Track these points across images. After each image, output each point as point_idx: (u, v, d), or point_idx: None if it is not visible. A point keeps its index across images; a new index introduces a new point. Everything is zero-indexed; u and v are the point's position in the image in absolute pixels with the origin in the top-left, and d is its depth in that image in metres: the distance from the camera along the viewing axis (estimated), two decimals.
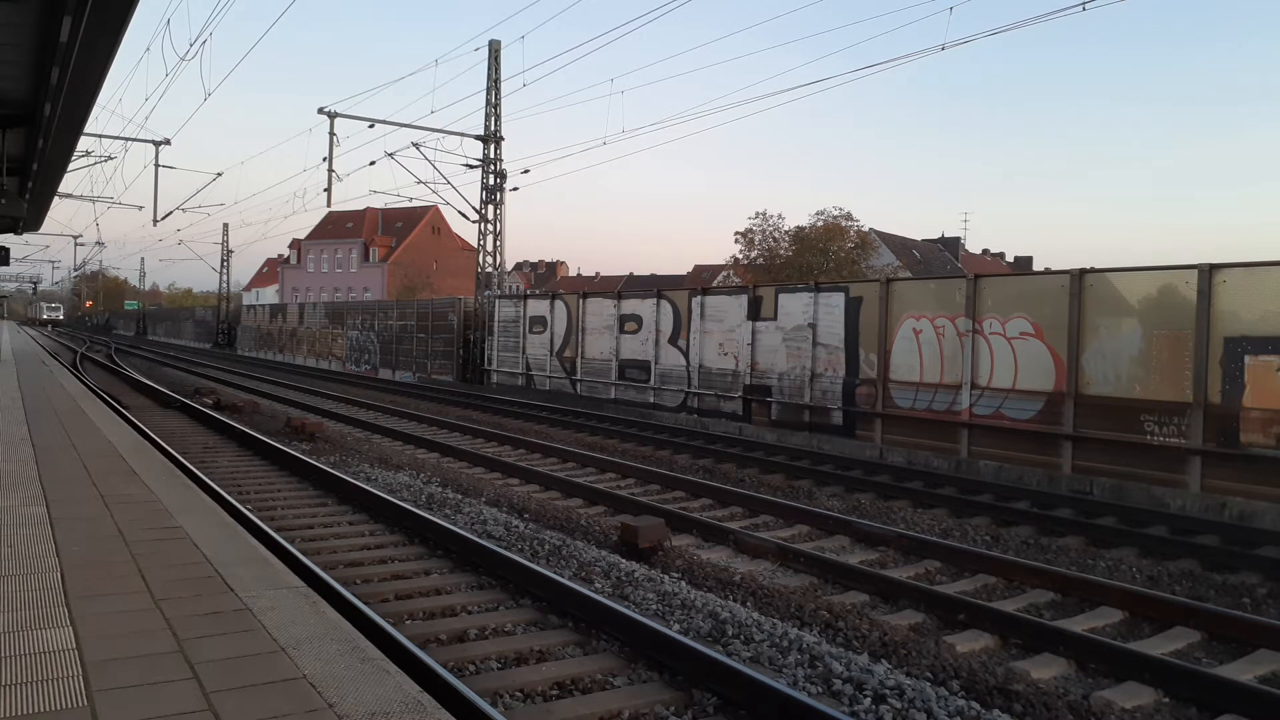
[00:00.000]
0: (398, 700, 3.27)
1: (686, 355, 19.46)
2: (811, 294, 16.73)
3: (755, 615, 5.96)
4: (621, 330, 21.58)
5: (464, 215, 28.92)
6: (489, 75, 28.26)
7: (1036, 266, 69.07)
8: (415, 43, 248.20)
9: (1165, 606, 6.62)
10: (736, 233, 46.12)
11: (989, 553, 8.21)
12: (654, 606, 6.15)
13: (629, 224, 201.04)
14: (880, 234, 52.67)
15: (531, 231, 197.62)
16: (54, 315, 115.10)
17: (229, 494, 8.87)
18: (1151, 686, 5.21)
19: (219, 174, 37.36)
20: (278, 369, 37.00)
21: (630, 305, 21.64)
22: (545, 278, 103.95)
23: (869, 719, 4.56)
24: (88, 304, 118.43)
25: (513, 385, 25.47)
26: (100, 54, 9.02)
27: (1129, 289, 12.13)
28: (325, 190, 25.74)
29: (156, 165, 29.34)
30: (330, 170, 25.41)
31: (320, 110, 25.17)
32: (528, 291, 44.76)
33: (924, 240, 66.53)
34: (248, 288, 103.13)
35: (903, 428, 14.72)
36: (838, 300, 16.13)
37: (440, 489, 10.45)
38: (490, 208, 28.73)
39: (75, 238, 55.78)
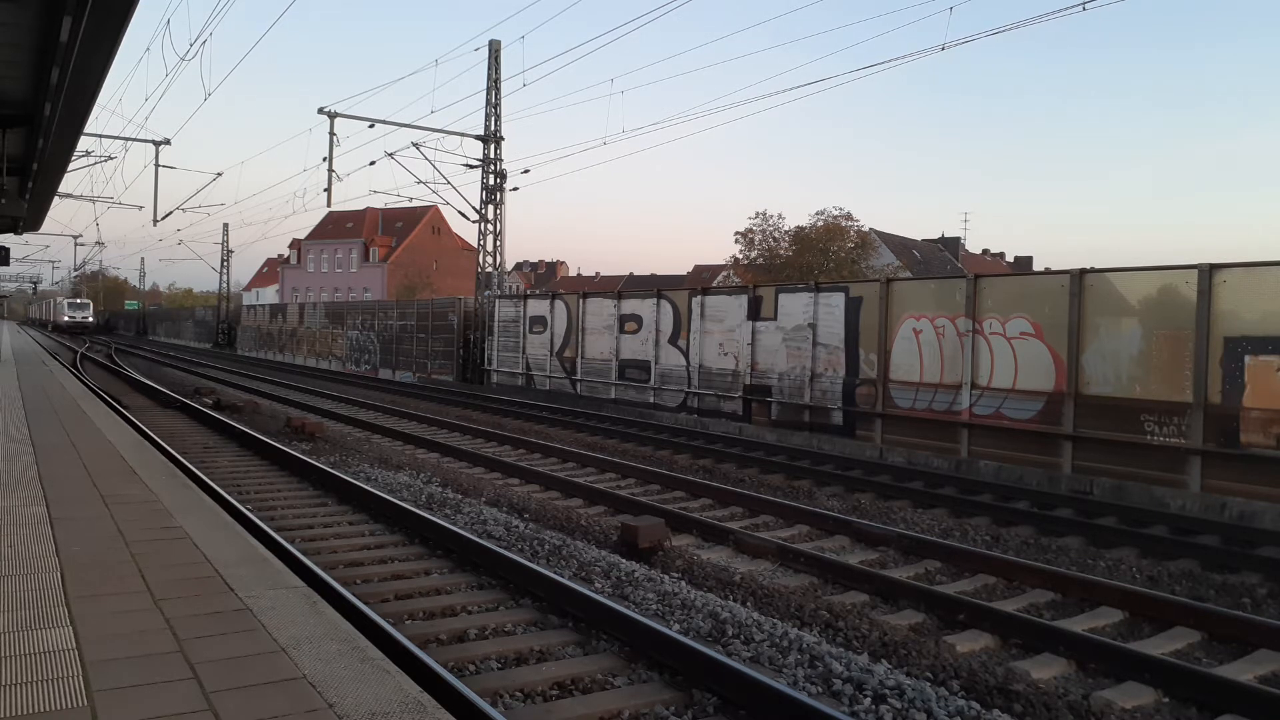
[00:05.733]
0: (398, 700, 3.27)
1: (686, 355, 19.46)
2: (811, 294, 16.73)
3: (755, 615, 5.96)
4: (621, 330, 21.58)
5: (464, 215, 28.95)
6: (489, 75, 28.27)
7: (1036, 266, 69.11)
8: (415, 43, 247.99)
9: (1165, 606, 6.62)
10: (736, 233, 46.27)
11: (989, 553, 8.21)
12: (654, 606, 6.15)
13: (629, 224, 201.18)
14: (880, 234, 52.69)
15: (531, 231, 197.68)
16: (81, 317, 74.51)
17: (229, 494, 8.86)
18: (1151, 686, 5.21)
19: (219, 174, 37.45)
20: (278, 369, 36.99)
21: (630, 305, 21.64)
22: (545, 278, 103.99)
23: (869, 719, 4.56)
24: None
25: (513, 385, 25.46)
26: (100, 54, 9.03)
27: (1129, 289, 12.13)
28: (325, 190, 25.76)
29: (156, 165, 29.34)
30: (330, 170, 25.43)
31: (320, 110, 25.21)
32: (528, 291, 44.74)
33: (924, 240, 66.56)
34: (248, 288, 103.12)
35: (903, 428, 14.72)
36: (838, 300, 16.13)
37: (440, 489, 10.45)
38: (490, 208, 28.73)
39: (75, 238, 55.86)
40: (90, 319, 75.83)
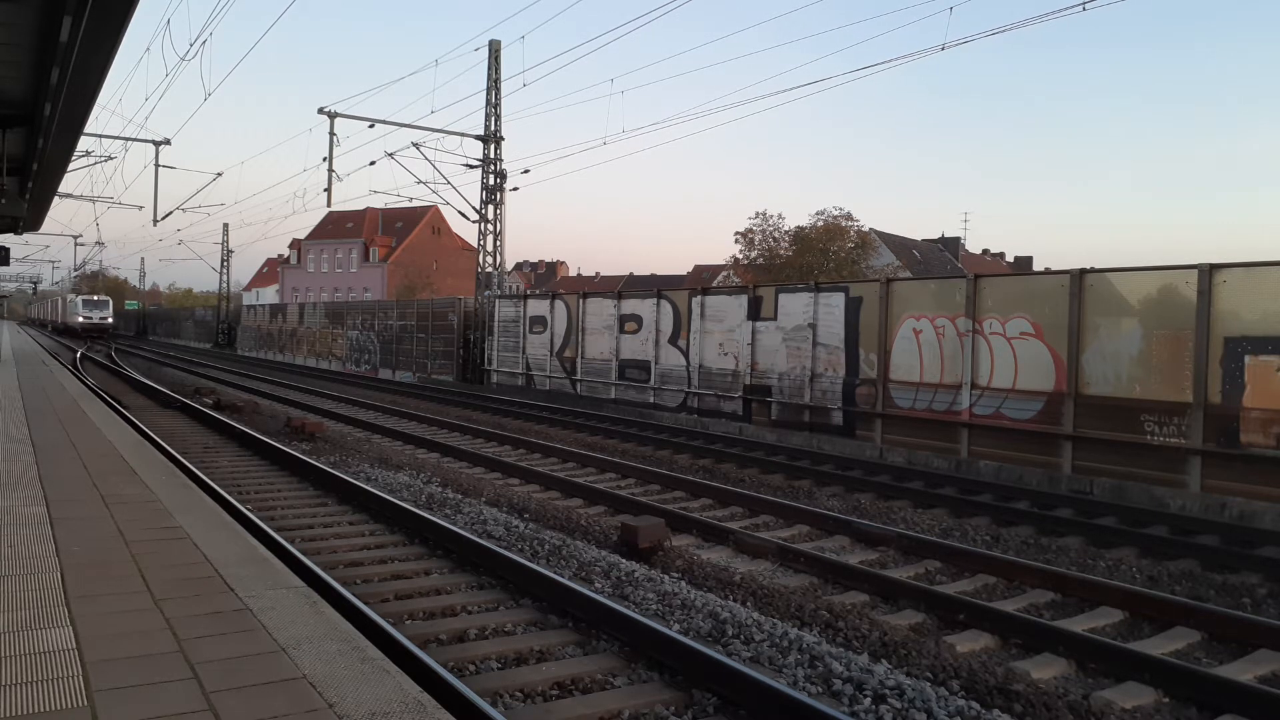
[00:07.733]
0: (398, 700, 3.27)
1: (686, 355, 19.46)
2: (811, 294, 16.73)
3: (755, 615, 5.96)
4: (621, 330, 21.57)
5: (464, 215, 28.96)
6: (489, 75, 28.27)
7: (1036, 266, 69.09)
8: (415, 43, 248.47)
9: (1165, 606, 6.62)
10: (736, 233, 46.26)
11: (989, 553, 8.20)
12: (654, 606, 6.15)
13: (629, 224, 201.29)
14: (880, 234, 52.67)
15: (531, 231, 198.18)
16: (99, 318, 61.18)
17: (229, 494, 8.86)
18: (1151, 686, 5.21)
19: (219, 174, 37.42)
20: (278, 369, 37.00)
21: (630, 305, 21.64)
22: (545, 278, 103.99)
23: (869, 719, 4.56)
24: None
25: (513, 385, 25.47)
26: (100, 54, 9.03)
27: (1129, 289, 12.13)
28: (325, 190, 25.79)
29: (156, 165, 29.36)
30: (330, 170, 25.44)
31: (320, 110, 25.22)
32: (528, 291, 44.76)
33: (924, 240, 66.55)
34: (248, 288, 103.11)
35: (903, 428, 14.72)
36: (838, 300, 16.13)
37: (440, 489, 10.45)
38: (490, 208, 28.74)
39: (75, 238, 55.84)
40: (110, 319, 62.42)
